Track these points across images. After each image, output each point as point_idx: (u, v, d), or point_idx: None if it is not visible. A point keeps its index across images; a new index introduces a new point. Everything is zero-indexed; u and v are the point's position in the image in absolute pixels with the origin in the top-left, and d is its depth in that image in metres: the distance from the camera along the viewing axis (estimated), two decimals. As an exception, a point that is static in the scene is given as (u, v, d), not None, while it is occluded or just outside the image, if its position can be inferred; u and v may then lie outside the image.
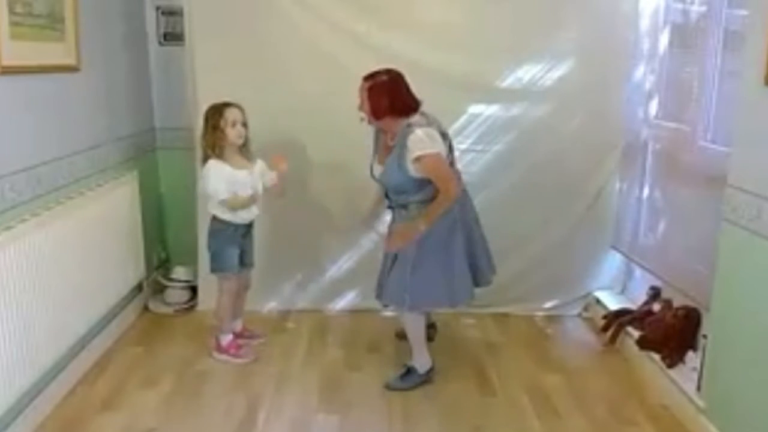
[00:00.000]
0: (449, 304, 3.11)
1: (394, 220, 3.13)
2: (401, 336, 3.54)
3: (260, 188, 3.22)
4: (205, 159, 3.15)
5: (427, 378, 3.13)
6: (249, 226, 3.31)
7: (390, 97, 2.88)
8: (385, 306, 3.35)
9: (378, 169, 3.05)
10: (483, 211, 3.79)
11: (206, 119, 3.14)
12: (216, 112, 3.12)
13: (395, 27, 3.62)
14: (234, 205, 3.15)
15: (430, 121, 2.91)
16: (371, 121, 2.97)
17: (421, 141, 2.82)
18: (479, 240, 3.12)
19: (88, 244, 3.02)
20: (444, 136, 2.94)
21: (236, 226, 3.23)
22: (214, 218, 3.22)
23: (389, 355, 3.41)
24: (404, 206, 3.00)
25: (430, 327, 3.47)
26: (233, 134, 3.12)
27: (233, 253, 3.25)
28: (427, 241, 2.92)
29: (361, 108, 2.97)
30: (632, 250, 3.75)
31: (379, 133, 3.09)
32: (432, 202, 2.89)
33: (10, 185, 2.50)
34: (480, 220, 3.17)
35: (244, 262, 3.34)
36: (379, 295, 3.22)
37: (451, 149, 3.01)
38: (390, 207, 3.12)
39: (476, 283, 3.10)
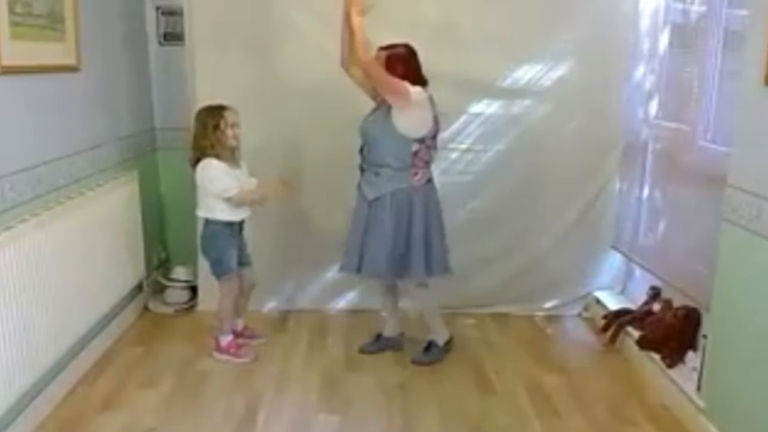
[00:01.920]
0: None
1: (360, 187, 3.19)
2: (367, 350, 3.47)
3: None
4: (197, 160, 3.14)
5: (447, 349, 3.36)
6: (242, 224, 3.31)
7: (405, 67, 3.04)
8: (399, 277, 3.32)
9: (364, 120, 3.16)
10: (483, 211, 3.82)
11: (204, 120, 3.13)
12: (216, 113, 3.12)
13: (395, 27, 3.60)
14: (243, 200, 3.17)
15: (430, 98, 3.08)
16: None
17: (412, 87, 3.00)
18: (437, 233, 3.18)
19: (88, 244, 3.02)
20: (435, 119, 3.11)
21: (232, 226, 3.24)
22: (209, 222, 3.22)
23: (389, 355, 3.41)
24: (377, 172, 3.09)
25: (401, 335, 3.49)
26: (231, 136, 3.13)
27: (233, 254, 3.26)
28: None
29: None
30: (632, 250, 3.75)
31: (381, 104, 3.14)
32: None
33: (10, 185, 2.50)
34: (442, 217, 3.22)
35: (242, 261, 3.35)
36: (354, 269, 3.21)
37: (434, 136, 3.14)
38: (362, 170, 3.17)
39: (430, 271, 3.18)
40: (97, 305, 3.16)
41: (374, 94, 3.18)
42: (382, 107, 3.08)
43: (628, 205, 3.79)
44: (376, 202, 3.10)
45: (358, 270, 3.20)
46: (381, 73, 3.01)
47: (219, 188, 3.13)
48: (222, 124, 3.10)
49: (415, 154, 3.04)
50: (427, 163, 3.13)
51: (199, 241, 3.34)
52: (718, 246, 2.59)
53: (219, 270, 3.27)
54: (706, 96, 2.97)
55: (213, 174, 3.12)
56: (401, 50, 3.07)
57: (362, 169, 3.18)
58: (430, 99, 3.11)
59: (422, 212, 3.10)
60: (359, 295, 3.95)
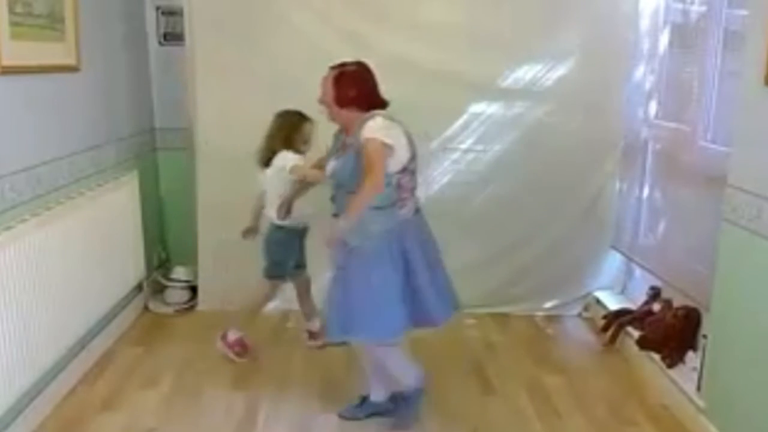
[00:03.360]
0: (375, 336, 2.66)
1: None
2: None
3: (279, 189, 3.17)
4: (268, 159, 3.14)
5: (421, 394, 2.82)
6: (305, 231, 3.30)
7: (357, 88, 2.63)
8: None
9: (331, 165, 2.73)
10: (483, 211, 3.81)
11: (280, 125, 3.13)
12: (294, 125, 3.12)
13: (396, 28, 3.62)
14: (303, 174, 3.06)
15: (396, 121, 2.64)
16: (333, 112, 2.67)
17: (377, 126, 2.55)
18: (428, 271, 2.67)
19: (88, 244, 3.02)
20: (410, 142, 2.63)
21: (297, 231, 3.25)
22: (277, 227, 3.20)
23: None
24: None
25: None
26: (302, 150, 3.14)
27: (293, 261, 3.30)
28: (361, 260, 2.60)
29: (322, 99, 2.68)
30: (632, 250, 3.75)
31: (340, 134, 2.78)
32: (355, 199, 2.53)
33: (10, 185, 2.50)
34: (437, 250, 2.76)
35: (300, 263, 3.37)
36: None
37: (413, 157, 2.64)
38: (335, 215, 2.69)
39: (417, 322, 2.67)
40: (97, 305, 3.16)
41: (335, 140, 2.80)
42: (352, 145, 2.60)
43: (628, 205, 3.79)
44: (358, 249, 2.59)
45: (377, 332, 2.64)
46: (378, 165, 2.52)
47: (283, 163, 3.09)
48: (297, 138, 3.12)
49: (398, 184, 2.58)
50: (413, 191, 2.66)
51: (263, 242, 3.27)
52: (718, 246, 2.59)
53: (274, 273, 3.29)
54: (706, 96, 2.97)
55: (282, 155, 3.10)
56: (352, 68, 2.66)
57: (336, 216, 2.68)
58: (392, 119, 2.63)
59: (419, 248, 2.65)
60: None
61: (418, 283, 2.64)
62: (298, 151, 3.13)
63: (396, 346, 2.75)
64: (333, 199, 2.74)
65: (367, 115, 2.62)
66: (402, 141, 2.59)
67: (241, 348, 3.34)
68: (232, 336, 3.32)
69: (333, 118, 2.72)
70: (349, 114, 2.64)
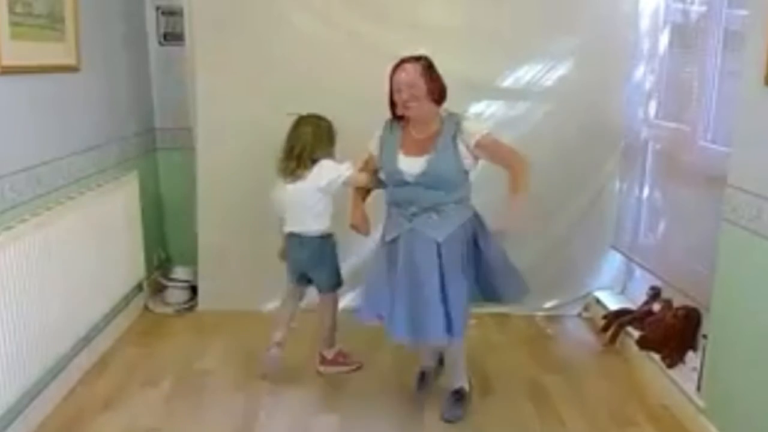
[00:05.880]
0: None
1: (413, 229, 2.66)
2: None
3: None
4: (297, 167, 2.93)
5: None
6: None
7: (442, 81, 2.64)
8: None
9: (410, 163, 2.64)
10: (483, 211, 3.79)
11: (328, 130, 2.98)
12: (331, 131, 2.99)
13: (397, 28, 3.61)
14: (355, 181, 2.94)
15: None
16: (423, 107, 2.61)
17: (477, 122, 2.80)
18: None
19: (88, 244, 3.02)
20: None
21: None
22: (329, 236, 3.06)
23: (389, 355, 3.40)
24: (436, 209, 2.64)
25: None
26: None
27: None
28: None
29: (413, 93, 2.59)
30: (632, 250, 3.75)
31: (394, 127, 2.76)
32: (518, 176, 2.62)
33: (10, 185, 2.50)
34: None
35: None
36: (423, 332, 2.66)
37: None
38: (412, 214, 2.67)
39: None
40: (97, 305, 3.16)
41: (387, 135, 2.81)
42: (440, 142, 2.63)
43: (628, 205, 3.79)
44: (448, 240, 2.64)
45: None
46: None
47: (339, 173, 2.91)
48: (334, 144, 2.99)
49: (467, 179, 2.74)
50: None
51: (317, 257, 3.08)
52: (718, 246, 2.59)
53: (340, 281, 3.19)
54: (706, 96, 2.97)
55: (332, 165, 2.93)
56: (431, 61, 2.68)
57: (410, 215, 2.67)
58: None
59: (484, 232, 2.75)
60: (359, 296, 3.94)
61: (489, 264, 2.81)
62: (333, 158, 2.99)
63: None
64: (401, 200, 2.70)
65: (443, 109, 2.67)
66: None
67: (345, 357, 3.25)
68: (331, 354, 3.22)
69: (417, 113, 2.64)
70: (435, 108, 2.63)
